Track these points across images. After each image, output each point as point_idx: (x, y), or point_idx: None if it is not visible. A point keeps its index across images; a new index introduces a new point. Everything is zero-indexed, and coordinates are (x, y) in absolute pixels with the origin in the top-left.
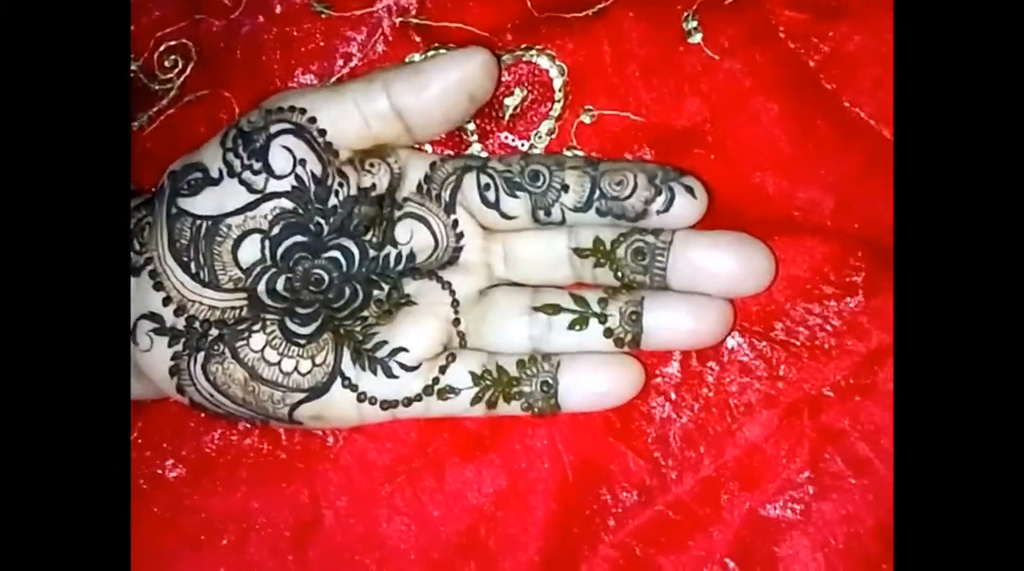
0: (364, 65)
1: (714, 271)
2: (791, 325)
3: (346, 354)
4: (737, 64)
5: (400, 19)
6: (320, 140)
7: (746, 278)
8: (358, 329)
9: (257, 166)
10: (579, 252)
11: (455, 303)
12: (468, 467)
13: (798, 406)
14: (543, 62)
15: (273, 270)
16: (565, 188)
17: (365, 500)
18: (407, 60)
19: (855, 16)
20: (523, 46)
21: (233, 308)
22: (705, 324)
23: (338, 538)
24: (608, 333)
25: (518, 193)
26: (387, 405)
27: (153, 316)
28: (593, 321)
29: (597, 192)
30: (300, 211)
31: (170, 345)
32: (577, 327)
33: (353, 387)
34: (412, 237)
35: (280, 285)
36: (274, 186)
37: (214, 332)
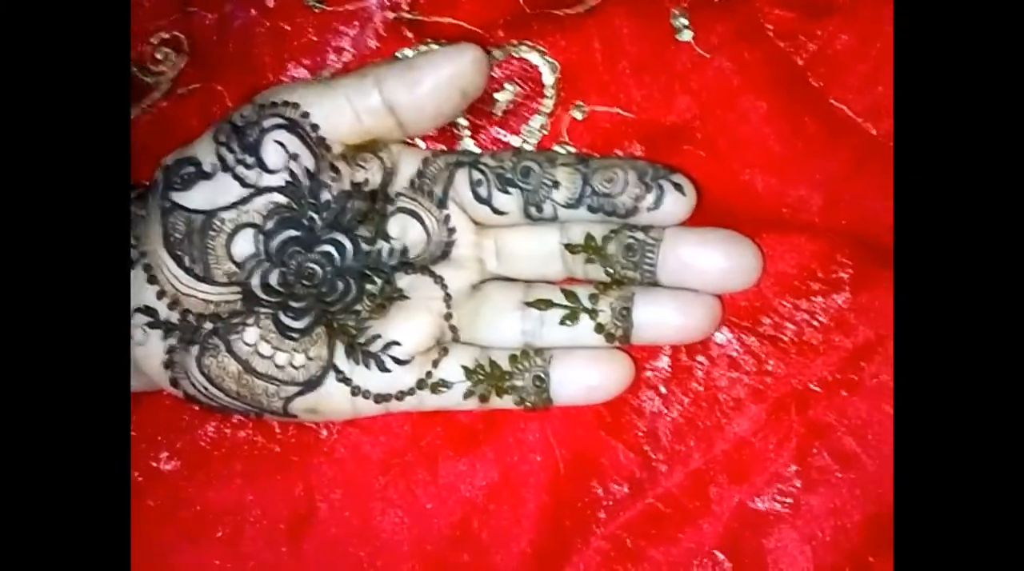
0: (356, 60)
1: (703, 267)
2: (779, 321)
3: (339, 348)
4: (726, 62)
5: (392, 14)
6: (313, 135)
7: (734, 274)
8: (351, 323)
9: (250, 160)
10: (570, 248)
11: (447, 298)
12: (461, 460)
13: (786, 401)
14: (534, 58)
15: (267, 264)
16: (556, 185)
17: (359, 493)
18: (399, 55)
19: (842, 15)
20: (514, 42)
21: (227, 302)
22: (694, 319)
23: (332, 530)
24: (599, 328)
25: (510, 189)
26: (380, 398)
27: (147, 310)
28: (584, 316)
29: (588, 189)
30: (293, 206)
31: (164, 339)
32: (568, 322)
33: (347, 381)
34: (405, 232)
35: (274, 279)
36: (267, 181)
37: (208, 326)
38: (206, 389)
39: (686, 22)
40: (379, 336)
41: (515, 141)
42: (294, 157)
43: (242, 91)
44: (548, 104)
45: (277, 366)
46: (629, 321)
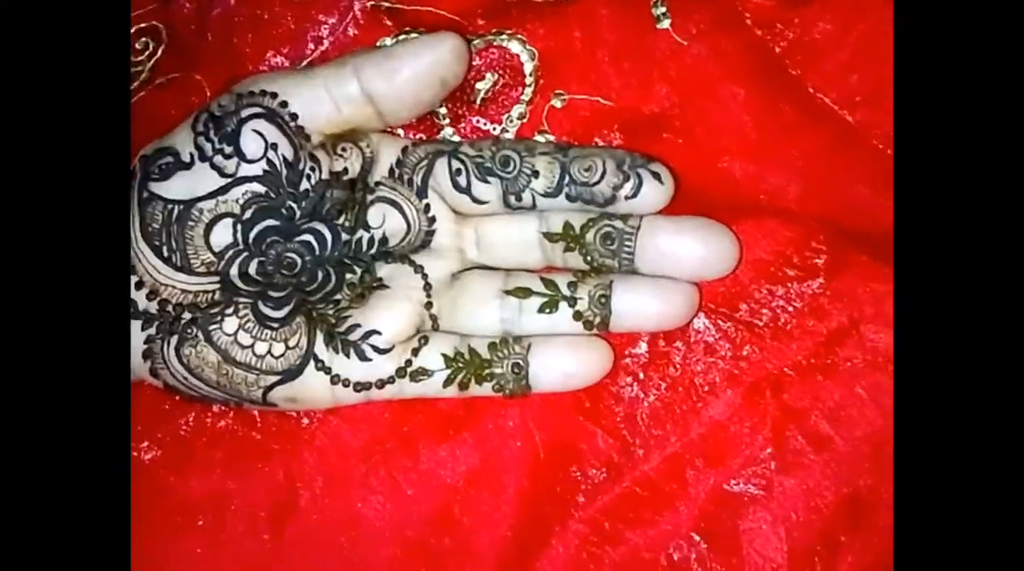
0: (335, 49)
1: (680, 255)
2: (755, 306)
3: (319, 337)
4: (705, 50)
5: (371, 3)
6: (291, 124)
7: (711, 262)
8: (331, 312)
9: (228, 150)
10: (549, 237)
11: (427, 286)
12: (442, 447)
13: (761, 385)
14: (514, 47)
15: (245, 254)
16: (535, 174)
17: (340, 480)
18: (378, 44)
19: (820, 3)
20: (494, 31)
21: (206, 292)
22: (672, 307)
23: (314, 518)
24: (577, 316)
25: (489, 178)
26: (360, 387)
27: None
28: (563, 304)
29: (567, 178)
30: (272, 195)
31: (143, 329)
32: (547, 310)
33: (327, 370)
34: (384, 221)
35: (253, 269)
36: (246, 170)
37: (187, 316)
38: (186, 379)
39: (665, 10)
40: (359, 325)
41: (495, 130)
42: (273, 146)
43: (221, 80)
44: (528, 92)
45: (256, 355)
46: (608, 309)
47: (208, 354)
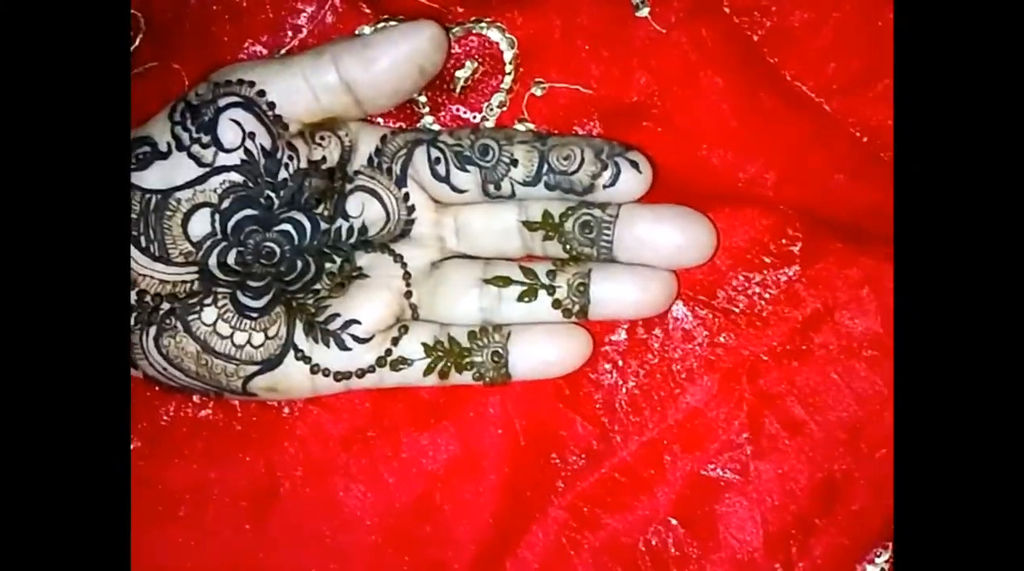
0: (314, 37)
1: (658, 244)
2: (732, 293)
3: (298, 327)
4: (683, 38)
5: None
6: (269, 113)
7: (689, 250)
8: (310, 302)
9: (206, 139)
10: (529, 225)
11: (407, 276)
12: (423, 435)
13: (737, 371)
14: (493, 35)
15: (224, 244)
16: (514, 162)
17: (321, 469)
18: (357, 32)
19: None
20: (473, 19)
21: (184, 282)
22: (650, 294)
23: (295, 507)
24: (556, 304)
25: (468, 167)
26: (340, 376)
27: None
28: (542, 293)
29: (546, 166)
30: (250, 184)
31: None
32: (526, 299)
33: (306, 359)
34: (363, 210)
35: (231, 259)
36: (223, 159)
37: (165, 306)
38: (165, 369)
39: None
40: (338, 314)
41: (475, 118)
42: (250, 135)
43: (200, 70)
44: (508, 81)
45: (236, 345)
46: (586, 297)
47: (187, 344)
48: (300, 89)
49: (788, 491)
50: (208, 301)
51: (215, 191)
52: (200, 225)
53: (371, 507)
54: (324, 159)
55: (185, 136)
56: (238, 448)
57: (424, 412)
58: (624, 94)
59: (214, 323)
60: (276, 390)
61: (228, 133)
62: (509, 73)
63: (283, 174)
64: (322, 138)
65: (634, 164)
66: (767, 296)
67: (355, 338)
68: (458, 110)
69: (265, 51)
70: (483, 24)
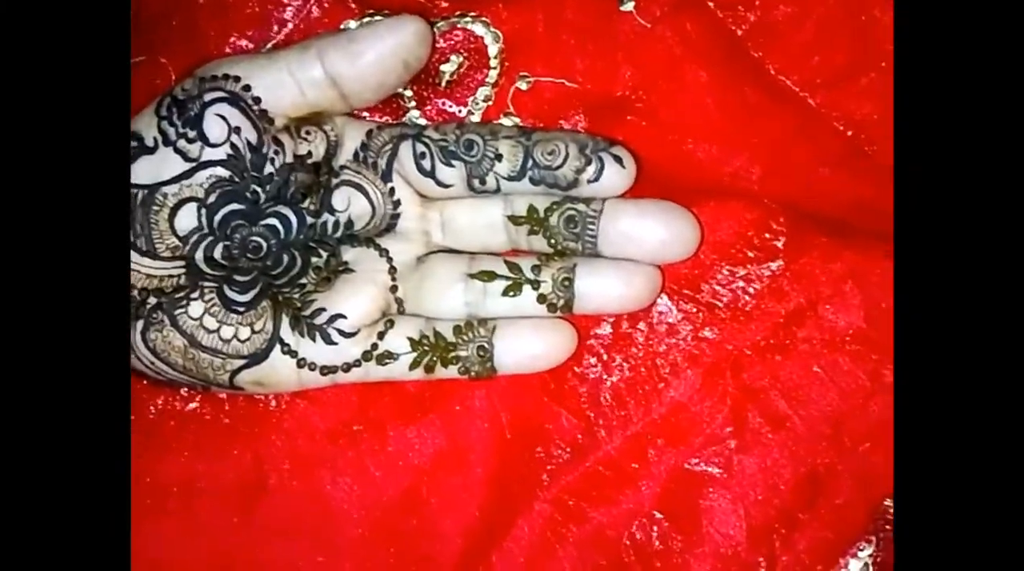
0: (299, 32)
1: (642, 238)
2: (716, 287)
3: (285, 321)
4: (668, 32)
5: None
6: (255, 108)
7: (673, 245)
8: (296, 296)
9: (192, 134)
10: (514, 220)
11: (392, 270)
12: (409, 428)
13: (721, 365)
14: (478, 29)
15: (210, 238)
16: (499, 157)
17: (308, 462)
18: (342, 27)
19: None
20: (458, 13)
21: (171, 276)
22: (634, 289)
23: (283, 500)
24: (541, 299)
25: (453, 162)
26: (327, 371)
27: None
28: (527, 287)
29: (530, 161)
30: (236, 179)
31: None
32: (511, 293)
33: (292, 353)
34: (349, 204)
35: (218, 253)
36: (209, 154)
37: (152, 300)
38: (152, 364)
39: None
40: (324, 309)
41: (461, 112)
42: (236, 130)
43: (187, 64)
44: (493, 75)
45: (222, 340)
46: (571, 291)
47: (174, 338)
48: (286, 83)
49: (771, 485)
50: (195, 295)
51: (201, 186)
52: (187, 220)
53: (358, 500)
54: (310, 153)
55: (171, 131)
56: (226, 441)
57: (410, 406)
58: (609, 88)
59: (201, 317)
60: (263, 384)
61: (214, 128)
62: (494, 67)
63: (269, 168)
64: (308, 132)
65: (618, 159)
66: (751, 290)
67: (341, 332)
68: (444, 104)
69: (251, 45)
70: (468, 18)
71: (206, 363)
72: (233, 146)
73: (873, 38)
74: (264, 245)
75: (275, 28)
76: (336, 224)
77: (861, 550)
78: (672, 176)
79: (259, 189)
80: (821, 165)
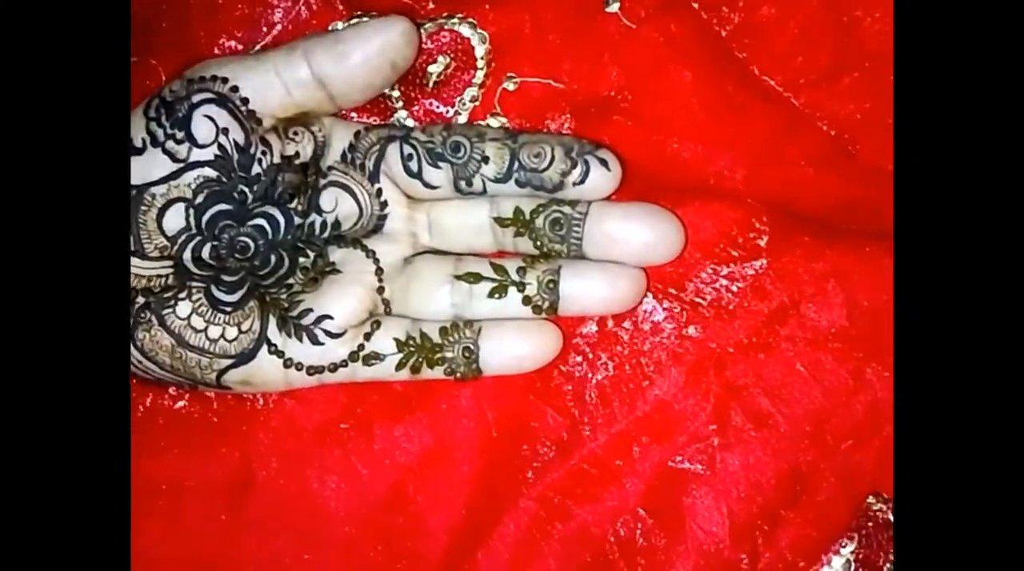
0: (288, 33)
1: (627, 241)
2: (700, 286)
3: (272, 321)
4: (653, 33)
5: None
6: (243, 109)
7: (658, 247)
8: (284, 296)
9: (180, 135)
10: (500, 221)
11: (379, 271)
12: (396, 427)
13: (704, 364)
14: (465, 30)
15: (198, 238)
16: (485, 159)
17: (296, 461)
18: (331, 28)
19: None
20: (445, 14)
21: (159, 276)
22: (619, 291)
23: (270, 498)
24: (527, 301)
25: (440, 163)
26: (313, 371)
27: None
28: (512, 289)
29: (516, 163)
30: (224, 179)
31: None
32: (497, 295)
33: (279, 353)
34: (337, 205)
35: (206, 253)
36: (197, 155)
37: (140, 300)
38: (140, 363)
39: None
40: (311, 309)
41: (448, 112)
42: (224, 131)
43: (177, 65)
44: (480, 75)
45: (210, 339)
46: (556, 293)
47: (162, 338)
48: (273, 84)
49: (754, 483)
50: (183, 295)
51: (189, 186)
52: (175, 220)
53: (345, 498)
54: (297, 154)
55: (159, 132)
56: (214, 440)
57: (397, 404)
58: (595, 88)
59: (188, 317)
60: (250, 384)
61: (202, 129)
62: (481, 68)
63: (257, 169)
64: (295, 133)
65: (603, 162)
66: (734, 289)
67: (327, 333)
68: (431, 105)
69: (240, 47)
70: (455, 20)
71: (193, 362)
72: (221, 147)
73: (856, 38)
74: (252, 245)
75: (264, 30)
76: (323, 225)
77: (844, 547)
78: (657, 175)
79: (247, 189)
80: (805, 165)
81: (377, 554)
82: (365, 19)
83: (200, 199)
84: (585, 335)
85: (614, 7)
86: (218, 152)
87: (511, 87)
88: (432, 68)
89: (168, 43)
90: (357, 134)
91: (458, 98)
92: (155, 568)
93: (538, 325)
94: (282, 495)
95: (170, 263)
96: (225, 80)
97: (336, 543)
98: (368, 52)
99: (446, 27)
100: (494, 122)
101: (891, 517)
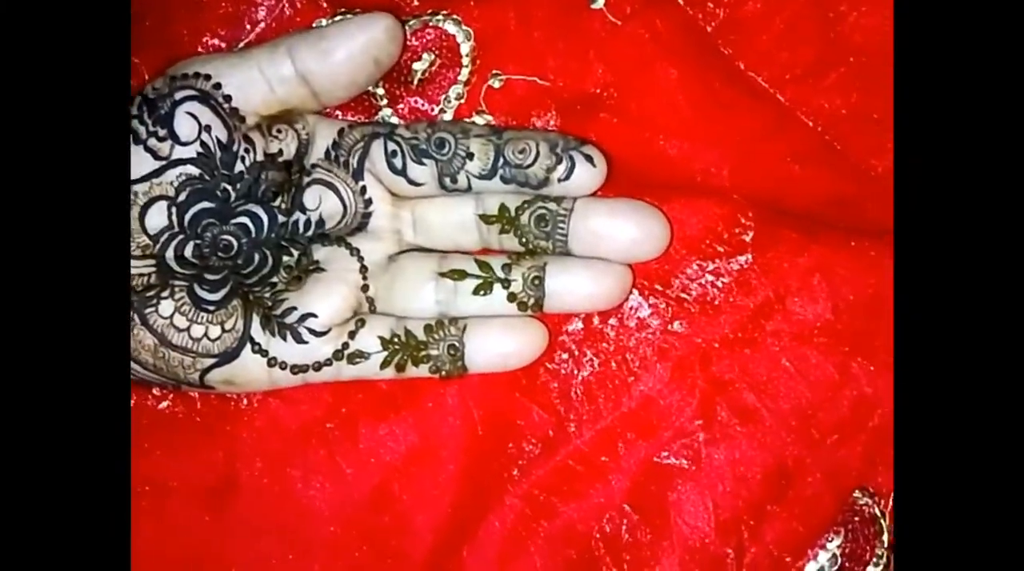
0: (272, 30)
1: (613, 237)
2: (686, 282)
3: (255, 320)
4: (638, 30)
5: None
6: (225, 106)
7: (643, 244)
8: (267, 295)
9: (162, 133)
10: (485, 218)
11: (364, 269)
12: (381, 425)
13: (690, 359)
14: (450, 27)
15: (181, 236)
16: (470, 156)
17: (280, 460)
18: (315, 25)
19: None
20: (430, 11)
21: (142, 275)
22: (604, 288)
23: (254, 498)
24: (512, 298)
25: (424, 160)
26: (298, 370)
27: None
28: (497, 286)
29: (501, 160)
30: (206, 177)
31: None
32: (482, 292)
33: (263, 352)
34: (320, 203)
35: (188, 251)
36: (179, 153)
37: None
38: None
39: None
40: (295, 308)
41: (433, 110)
42: (206, 128)
43: (159, 63)
44: (465, 73)
45: (193, 338)
46: (541, 290)
47: (145, 337)
48: (256, 81)
49: (740, 477)
50: (165, 294)
51: (171, 184)
52: (157, 218)
53: (330, 498)
54: (281, 152)
55: (142, 130)
56: (198, 440)
57: (382, 403)
58: (581, 85)
59: (171, 316)
60: (233, 383)
61: (184, 126)
62: (466, 65)
63: (240, 167)
64: (279, 131)
65: (589, 158)
66: (720, 284)
67: (312, 332)
68: (416, 102)
69: (224, 45)
70: (439, 16)
71: (176, 362)
72: (203, 144)
73: (841, 34)
74: (235, 244)
75: (248, 27)
76: (307, 223)
77: (830, 541)
78: (643, 172)
79: (229, 187)
80: (791, 161)
81: (362, 554)
82: (349, 16)
83: (183, 197)
84: (571, 332)
85: (599, 4)
86: (201, 150)
87: (496, 84)
88: (417, 65)
89: (151, 41)
90: (341, 131)
91: (443, 96)
92: (139, 568)
93: (523, 322)
94: (266, 495)
95: (152, 262)
96: (208, 77)
97: (321, 543)
98: (352, 49)
99: (431, 24)
100: (479, 120)
101: (877, 511)
